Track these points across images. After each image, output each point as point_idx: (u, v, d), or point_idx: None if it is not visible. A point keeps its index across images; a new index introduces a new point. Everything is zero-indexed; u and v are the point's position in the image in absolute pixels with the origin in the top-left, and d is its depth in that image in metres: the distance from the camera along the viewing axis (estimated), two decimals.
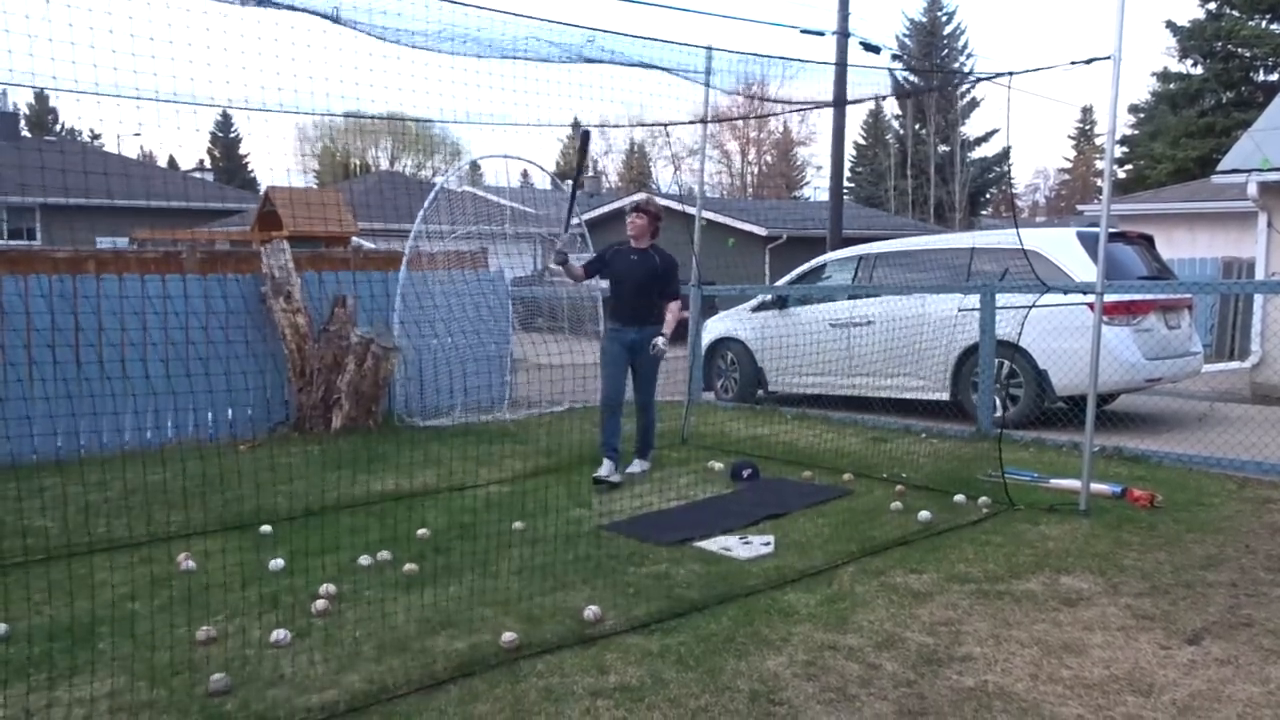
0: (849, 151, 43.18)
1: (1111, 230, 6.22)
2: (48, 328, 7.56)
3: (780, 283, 10.89)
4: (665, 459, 7.39)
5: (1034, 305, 7.00)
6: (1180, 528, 5.33)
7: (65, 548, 5.13)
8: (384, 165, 51.03)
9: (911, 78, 38.90)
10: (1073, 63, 5.77)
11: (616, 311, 6.75)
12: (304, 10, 5.19)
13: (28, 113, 50.10)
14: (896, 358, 9.00)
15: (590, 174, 47.82)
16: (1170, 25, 30.80)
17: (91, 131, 52.66)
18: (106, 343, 7.85)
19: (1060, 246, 8.46)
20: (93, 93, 4.37)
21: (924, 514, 5.53)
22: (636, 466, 6.85)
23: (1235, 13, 29.40)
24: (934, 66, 41.06)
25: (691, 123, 7.80)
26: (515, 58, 6.25)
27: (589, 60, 6.39)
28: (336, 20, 5.38)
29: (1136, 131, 36.11)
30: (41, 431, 7.46)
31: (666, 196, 28.37)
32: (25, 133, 41.20)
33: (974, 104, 44.96)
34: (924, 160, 43.61)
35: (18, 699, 3.35)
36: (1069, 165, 62.23)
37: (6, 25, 3.97)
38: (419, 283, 9.34)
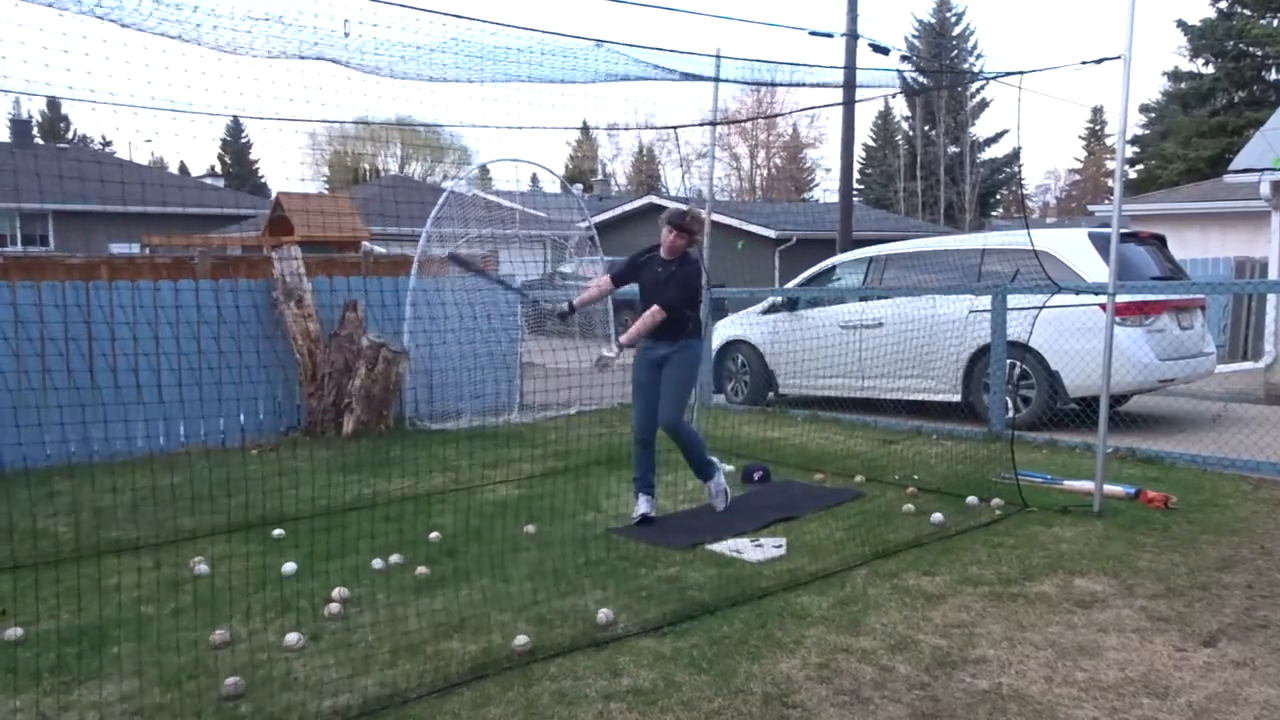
0: (858, 153, 43.14)
1: (1123, 230, 6.21)
2: (61, 333, 7.60)
3: (790, 285, 10.88)
4: (676, 462, 7.38)
5: (1045, 306, 6.97)
6: (1195, 529, 5.30)
7: (78, 552, 5.15)
8: (394, 170, 51.21)
9: (921, 79, 38.85)
10: (1083, 63, 5.75)
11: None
12: (318, 58, 5.17)
13: (40, 120, 50.43)
14: (907, 359, 8.98)
15: (599, 177, 47.91)
16: (1181, 25, 30.71)
17: (103, 138, 53.04)
18: (119, 348, 7.88)
19: (1072, 247, 8.43)
20: (108, 102, 4.40)
21: (936, 516, 5.51)
22: (719, 502, 5.90)
23: (1247, 11, 29.30)
24: (943, 67, 40.98)
25: (700, 125, 7.80)
26: (530, 80, 6.20)
27: (605, 78, 6.33)
28: (347, 65, 5.35)
29: (1147, 131, 36.02)
30: (55, 436, 7.51)
31: (676, 199, 28.38)
32: (38, 140, 41.50)
33: (984, 105, 44.82)
34: (934, 162, 43.50)
35: (33, 702, 3.36)
36: (1079, 166, 62.03)
37: (21, 35, 4.00)
38: (429, 287, 9.37)
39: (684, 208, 5.73)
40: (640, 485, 5.73)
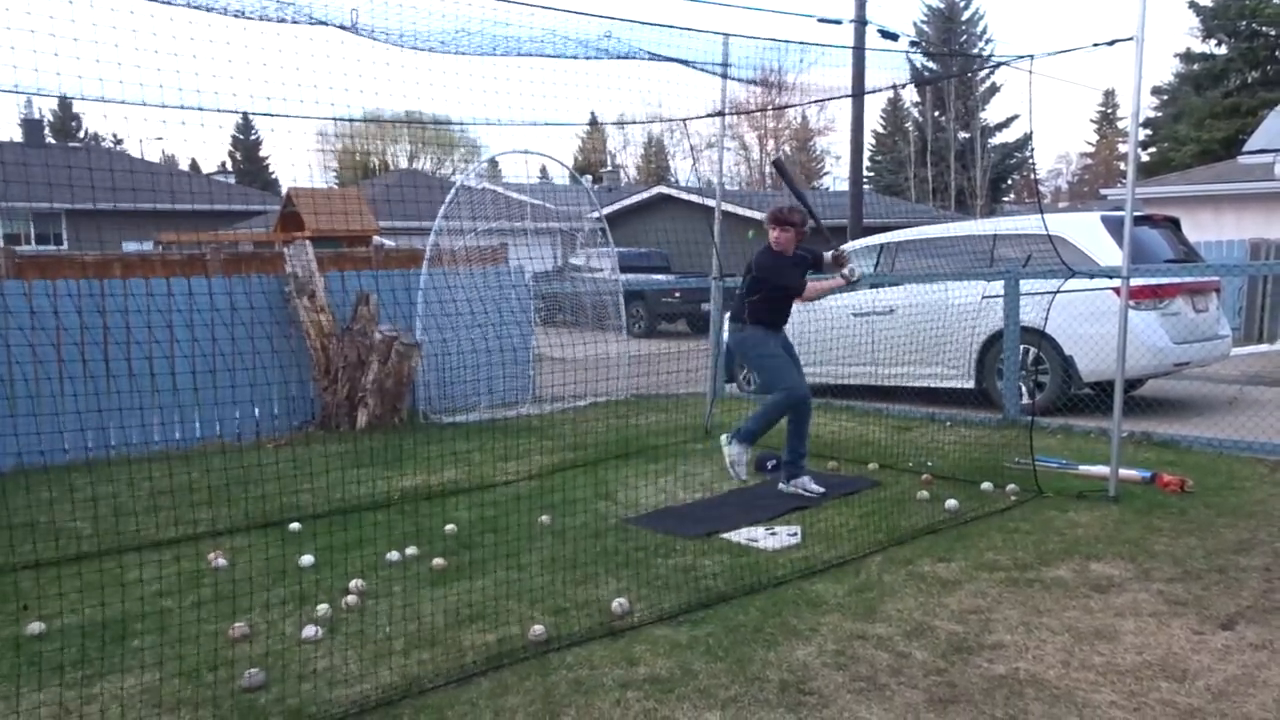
0: (868, 140, 42.87)
1: (1136, 214, 6.16)
2: (76, 330, 7.64)
3: None
4: (689, 452, 7.39)
5: (1059, 291, 6.92)
6: (1211, 512, 5.27)
7: (98, 547, 5.20)
8: (403, 164, 51.25)
9: (930, 64, 38.61)
10: (1095, 45, 5.71)
11: (776, 321, 6.25)
12: (322, 23, 5.21)
13: (52, 119, 50.66)
14: (920, 346, 8.95)
15: (608, 168, 47.85)
16: (1193, 5, 30.47)
17: (114, 136, 53.16)
18: (134, 344, 7.93)
19: (1085, 231, 8.38)
20: (117, 101, 4.41)
21: (951, 502, 5.50)
22: (735, 452, 6.03)
23: None
24: (953, 52, 40.68)
25: (709, 116, 7.77)
26: (532, 55, 6.24)
27: (609, 55, 6.36)
28: (354, 30, 5.39)
29: (1160, 113, 35.73)
30: (72, 431, 7.56)
31: (685, 189, 28.30)
32: (50, 139, 41.68)
33: (994, 89, 44.48)
34: (944, 147, 43.20)
35: (55, 696, 3.40)
36: (1091, 149, 61.64)
37: (33, 29, 4.02)
38: (440, 280, 9.38)
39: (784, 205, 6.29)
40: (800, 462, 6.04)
